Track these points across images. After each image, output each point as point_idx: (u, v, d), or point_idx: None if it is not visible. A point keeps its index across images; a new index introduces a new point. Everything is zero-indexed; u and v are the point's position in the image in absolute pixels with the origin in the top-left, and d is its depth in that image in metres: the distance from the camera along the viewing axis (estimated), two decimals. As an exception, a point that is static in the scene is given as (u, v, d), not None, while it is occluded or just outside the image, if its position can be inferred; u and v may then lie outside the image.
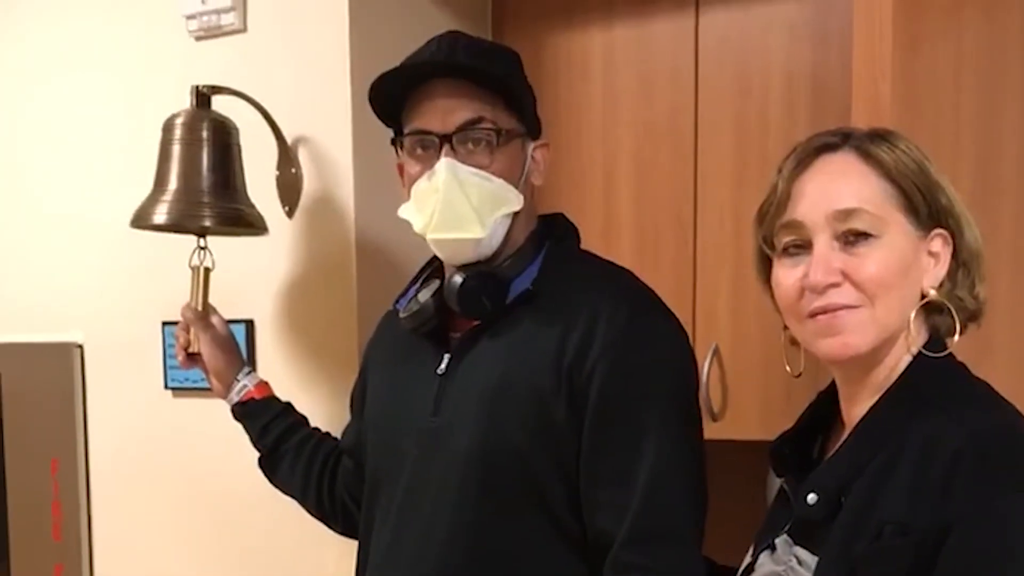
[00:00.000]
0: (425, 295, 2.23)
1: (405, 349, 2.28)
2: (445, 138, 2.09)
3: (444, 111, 2.10)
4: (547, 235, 2.23)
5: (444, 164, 2.08)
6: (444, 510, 2.12)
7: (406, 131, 2.16)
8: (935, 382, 1.61)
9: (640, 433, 2.04)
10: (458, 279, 2.13)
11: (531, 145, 2.20)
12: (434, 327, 2.22)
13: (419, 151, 2.14)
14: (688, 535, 2.05)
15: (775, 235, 1.67)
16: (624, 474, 2.03)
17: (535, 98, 2.24)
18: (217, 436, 2.89)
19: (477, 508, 2.09)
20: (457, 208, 2.09)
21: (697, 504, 2.08)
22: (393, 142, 2.21)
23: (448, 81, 2.11)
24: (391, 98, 2.17)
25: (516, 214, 2.16)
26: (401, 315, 2.26)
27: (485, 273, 2.15)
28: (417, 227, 2.15)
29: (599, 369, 2.04)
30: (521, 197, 2.15)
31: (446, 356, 2.19)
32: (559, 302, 2.12)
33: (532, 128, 2.21)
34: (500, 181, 2.12)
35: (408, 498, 2.19)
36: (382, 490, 2.26)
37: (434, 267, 2.32)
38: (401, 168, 2.22)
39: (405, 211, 2.18)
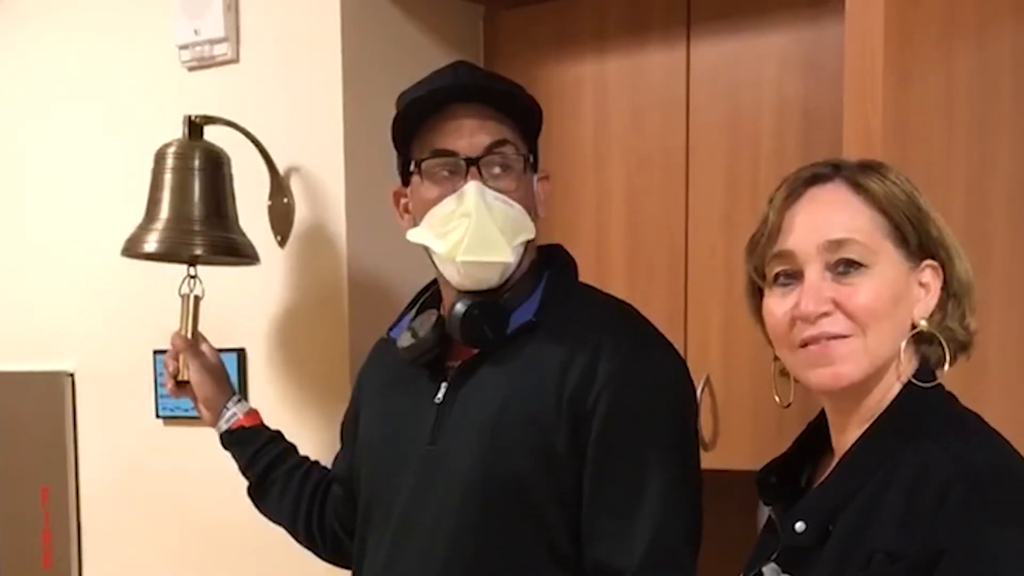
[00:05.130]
0: (424, 327, 2.21)
1: (400, 377, 2.28)
2: (472, 161, 2.09)
3: (470, 132, 2.10)
4: (546, 266, 2.24)
5: (474, 187, 2.08)
6: (442, 537, 2.11)
7: (427, 153, 2.14)
8: (924, 412, 1.61)
9: (643, 465, 2.05)
10: (461, 307, 2.13)
11: (535, 177, 2.22)
12: (433, 357, 2.22)
13: (444, 174, 2.13)
14: (686, 566, 2.07)
15: (766, 265, 1.67)
16: (626, 506, 2.04)
17: None
18: (209, 464, 2.87)
19: (476, 535, 2.10)
20: (487, 231, 2.08)
21: (695, 536, 2.10)
22: (417, 165, 2.17)
23: (471, 105, 2.11)
24: (406, 124, 2.17)
25: (526, 244, 2.16)
26: (400, 346, 2.25)
27: (487, 302, 2.15)
28: (441, 251, 2.12)
29: (603, 399, 2.05)
30: (534, 226, 2.17)
31: (443, 385, 2.19)
32: (560, 333, 2.12)
33: (536, 160, 2.22)
34: (520, 208, 2.13)
35: (403, 525, 2.18)
36: (375, 517, 2.26)
37: (428, 295, 2.31)
38: (396, 196, 2.22)
39: (419, 236, 2.17)
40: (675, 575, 2.05)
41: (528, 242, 2.16)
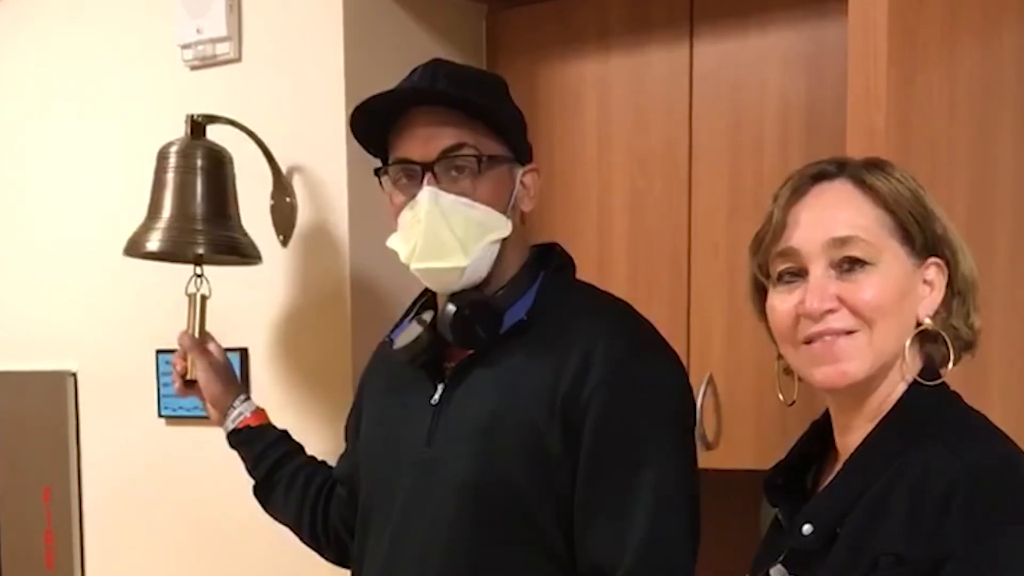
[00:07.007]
0: (419, 326, 2.21)
1: (399, 379, 2.27)
2: (427, 166, 2.08)
3: (425, 139, 2.09)
4: (542, 265, 2.22)
5: (426, 193, 2.08)
6: (438, 541, 2.11)
7: (390, 161, 2.16)
8: (930, 412, 1.61)
9: (636, 468, 2.03)
10: (452, 308, 2.12)
11: (520, 170, 2.19)
12: (429, 358, 2.21)
13: (403, 180, 2.13)
14: (681, 568, 2.05)
15: (770, 263, 1.67)
16: (618, 508, 2.03)
17: (524, 122, 2.23)
18: (210, 464, 2.89)
19: (471, 539, 2.09)
20: (440, 237, 2.08)
21: (692, 539, 2.08)
22: (377, 173, 2.20)
23: (428, 109, 2.10)
24: (374, 129, 2.17)
25: (506, 241, 2.14)
26: (396, 347, 2.24)
27: (479, 302, 2.13)
28: (402, 257, 2.14)
29: (595, 403, 2.03)
30: (509, 223, 2.14)
31: (440, 386, 2.18)
32: (554, 333, 2.11)
33: (520, 153, 2.19)
34: (485, 208, 2.11)
35: (400, 529, 2.18)
36: (374, 520, 2.25)
37: (427, 298, 2.31)
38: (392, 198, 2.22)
39: (393, 242, 2.18)
40: None
41: (505, 240, 2.14)
